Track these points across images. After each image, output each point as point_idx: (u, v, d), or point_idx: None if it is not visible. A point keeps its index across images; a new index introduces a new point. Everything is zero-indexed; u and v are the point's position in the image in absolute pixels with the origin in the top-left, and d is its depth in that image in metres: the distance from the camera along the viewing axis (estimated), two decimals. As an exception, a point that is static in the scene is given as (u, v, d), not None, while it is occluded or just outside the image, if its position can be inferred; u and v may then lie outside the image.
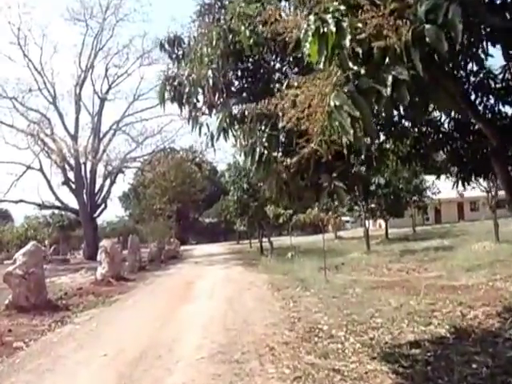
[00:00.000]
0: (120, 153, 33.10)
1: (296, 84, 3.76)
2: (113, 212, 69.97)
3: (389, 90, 2.83)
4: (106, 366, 7.02)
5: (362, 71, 2.99)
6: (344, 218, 43.13)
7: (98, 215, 34.60)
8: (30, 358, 7.69)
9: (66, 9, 34.38)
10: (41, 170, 32.25)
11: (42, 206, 34.45)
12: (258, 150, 4.47)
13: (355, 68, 2.99)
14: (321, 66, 3.02)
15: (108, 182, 34.26)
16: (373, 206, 29.22)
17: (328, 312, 9.80)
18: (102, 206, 34.09)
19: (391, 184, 26.58)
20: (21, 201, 32.21)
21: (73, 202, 33.37)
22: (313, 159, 4.25)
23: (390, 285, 13.12)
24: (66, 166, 32.44)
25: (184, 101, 5.18)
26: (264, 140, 4.47)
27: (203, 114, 5.20)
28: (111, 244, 20.11)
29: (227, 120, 4.74)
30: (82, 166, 32.53)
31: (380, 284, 13.32)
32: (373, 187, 24.46)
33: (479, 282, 11.83)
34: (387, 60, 2.87)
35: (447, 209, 47.49)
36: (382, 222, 39.25)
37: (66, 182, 32.51)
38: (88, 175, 32.95)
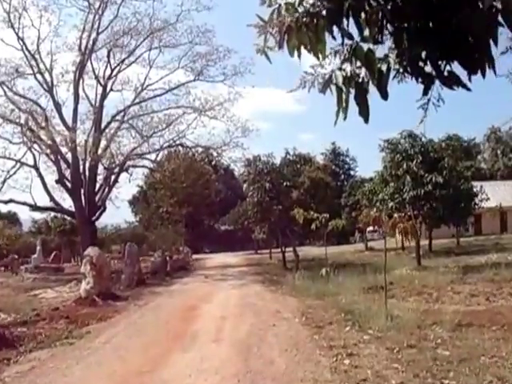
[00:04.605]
0: (122, 148, 28.74)
1: None
2: (122, 217, 66.08)
3: None
4: None
5: None
6: (370, 228, 38.69)
7: (97, 218, 30.46)
8: None
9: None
10: (35, 166, 28.26)
11: (34, 207, 30.42)
12: None
13: None
14: None
15: (109, 181, 30.06)
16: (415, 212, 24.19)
17: (417, 384, 5.72)
18: (102, 208, 30.04)
19: (450, 184, 21.35)
20: (11, 201, 28.21)
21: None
22: None
23: (476, 319, 9.10)
24: (62, 163, 28.35)
25: None
26: None
27: None
28: (98, 253, 16.10)
29: None
30: (81, 163, 28.48)
31: (462, 318, 9.10)
32: (428, 187, 19.50)
33: None
34: None
35: (488, 219, 42.45)
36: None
37: (61, 180, 28.38)
38: (87, 173, 28.86)
